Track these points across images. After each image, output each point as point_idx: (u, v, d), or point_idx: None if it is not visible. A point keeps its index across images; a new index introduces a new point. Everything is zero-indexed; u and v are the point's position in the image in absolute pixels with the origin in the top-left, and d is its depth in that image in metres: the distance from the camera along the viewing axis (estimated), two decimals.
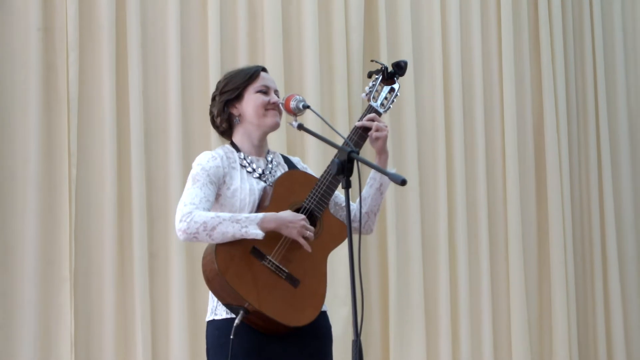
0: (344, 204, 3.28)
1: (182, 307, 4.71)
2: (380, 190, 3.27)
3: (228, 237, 2.99)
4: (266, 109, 3.19)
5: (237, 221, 2.99)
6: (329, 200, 3.12)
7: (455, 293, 5.60)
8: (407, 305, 5.41)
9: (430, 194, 5.62)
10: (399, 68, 3.30)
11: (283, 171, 3.24)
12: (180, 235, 3.01)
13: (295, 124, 3.14)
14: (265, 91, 3.21)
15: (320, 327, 3.14)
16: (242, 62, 4.86)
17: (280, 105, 3.20)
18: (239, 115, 3.21)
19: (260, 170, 3.20)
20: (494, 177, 5.87)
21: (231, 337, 2.95)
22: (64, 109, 4.60)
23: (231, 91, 3.20)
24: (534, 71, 6.10)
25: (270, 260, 3.03)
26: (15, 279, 4.47)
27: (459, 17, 5.79)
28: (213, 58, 4.90)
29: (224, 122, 3.23)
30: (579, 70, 6.32)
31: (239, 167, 3.17)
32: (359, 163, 2.90)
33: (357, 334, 2.77)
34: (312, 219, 3.09)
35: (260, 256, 3.03)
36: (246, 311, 2.96)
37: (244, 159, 3.19)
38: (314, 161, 4.96)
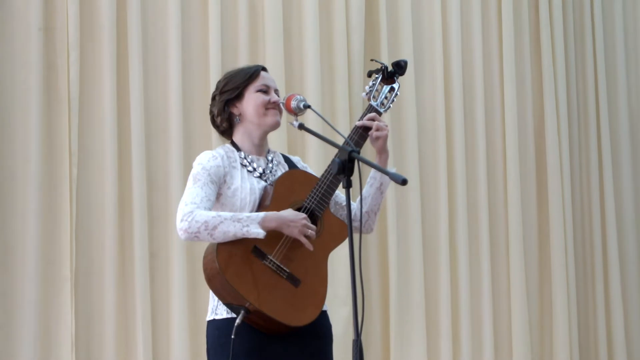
0: (344, 203, 3.28)
1: (183, 306, 4.71)
2: (380, 190, 3.27)
3: (229, 237, 2.99)
4: (267, 108, 3.19)
5: (239, 220, 2.99)
6: (329, 199, 3.12)
7: (456, 293, 5.60)
8: (407, 305, 5.41)
9: (430, 195, 5.62)
10: (399, 67, 3.30)
11: (283, 171, 3.24)
12: (181, 234, 3.01)
13: (296, 123, 3.14)
14: (265, 90, 3.21)
15: (321, 327, 3.14)
16: (243, 62, 4.86)
17: (281, 105, 3.20)
18: (240, 115, 3.21)
19: (260, 170, 3.20)
20: (495, 178, 5.87)
21: (232, 336, 2.95)
22: (64, 108, 4.60)
23: (231, 90, 3.20)
24: (535, 72, 6.10)
25: (271, 260, 3.03)
26: (16, 278, 4.47)
27: (460, 18, 5.79)
28: (214, 58, 4.91)
29: (225, 122, 3.23)
30: (580, 71, 6.32)
31: (239, 166, 3.17)
32: (360, 163, 2.90)
33: (357, 333, 2.77)
34: (313, 218, 3.10)
35: (262, 256, 3.03)
36: (247, 311, 2.96)
37: (245, 158, 3.19)
38: (315, 161, 4.96)
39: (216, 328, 3.08)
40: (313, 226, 3.06)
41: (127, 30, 4.75)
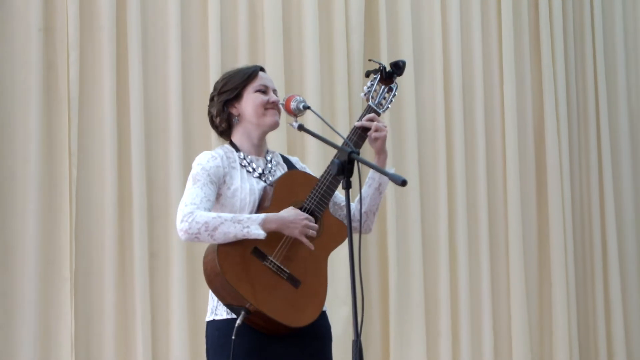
0: (343, 204, 3.29)
1: (183, 307, 4.71)
2: (379, 190, 3.27)
3: (230, 238, 2.99)
4: (265, 108, 3.20)
5: (239, 221, 2.99)
6: (329, 200, 3.13)
7: (456, 293, 5.60)
8: (407, 305, 5.41)
9: (430, 195, 5.62)
10: (397, 68, 3.30)
11: (282, 171, 3.24)
12: (181, 235, 3.02)
13: (295, 124, 3.15)
14: (264, 90, 3.21)
15: (320, 327, 3.14)
16: (243, 62, 4.85)
17: (281, 105, 3.20)
18: (238, 115, 3.22)
19: (260, 170, 3.20)
20: (495, 178, 5.87)
21: (233, 337, 2.95)
22: (64, 109, 4.60)
23: (230, 91, 3.21)
24: (535, 72, 6.10)
25: (271, 261, 3.04)
26: (16, 279, 4.47)
27: (460, 18, 5.79)
28: (213, 58, 4.91)
29: (224, 122, 3.23)
30: (580, 71, 6.32)
31: (238, 166, 3.17)
32: (359, 164, 2.90)
33: (357, 333, 2.77)
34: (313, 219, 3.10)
35: (262, 256, 3.03)
36: (247, 311, 2.96)
37: (244, 158, 3.19)
38: (314, 161, 4.96)
39: (216, 328, 3.08)
40: (315, 225, 3.06)
41: (127, 30, 4.75)
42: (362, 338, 2.83)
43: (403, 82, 5.33)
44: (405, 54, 5.49)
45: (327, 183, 3.11)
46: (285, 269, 3.05)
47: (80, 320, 4.55)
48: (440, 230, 5.60)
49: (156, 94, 4.84)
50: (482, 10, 5.90)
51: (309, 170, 3.31)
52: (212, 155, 3.15)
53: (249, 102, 3.19)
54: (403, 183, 2.76)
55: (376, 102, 3.27)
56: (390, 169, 3.05)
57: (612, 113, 6.39)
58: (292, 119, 3.18)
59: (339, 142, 3.08)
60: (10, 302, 4.46)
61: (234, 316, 2.99)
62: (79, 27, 4.61)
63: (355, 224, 3.25)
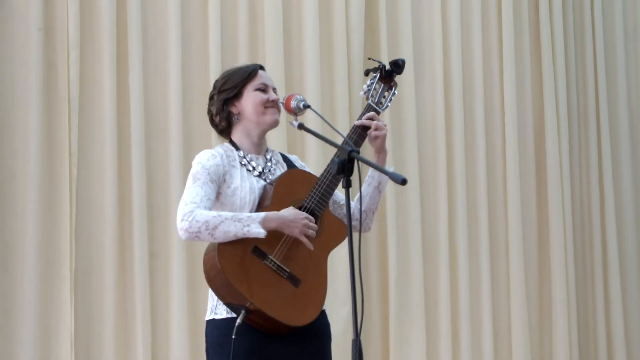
0: (342, 203, 3.29)
1: (182, 306, 4.71)
2: (378, 189, 3.27)
3: (230, 236, 2.99)
4: (265, 107, 3.20)
5: (239, 220, 2.99)
6: (329, 199, 3.13)
7: (456, 293, 5.60)
8: (407, 305, 5.41)
9: (430, 194, 5.62)
10: (397, 66, 3.30)
11: (282, 169, 3.25)
12: (182, 234, 3.02)
13: (295, 123, 3.15)
14: (263, 89, 3.21)
15: (320, 326, 3.14)
16: (243, 62, 4.80)
17: (281, 104, 3.20)
18: (238, 114, 3.22)
19: (259, 169, 3.20)
20: (495, 178, 5.87)
21: (233, 336, 2.95)
22: (64, 108, 4.60)
23: (230, 89, 3.21)
24: (535, 72, 6.10)
25: (271, 260, 3.04)
26: (15, 279, 4.47)
27: (460, 18, 5.79)
28: (213, 58, 4.91)
29: (223, 121, 3.23)
30: (580, 71, 6.32)
31: (238, 165, 3.17)
32: (359, 162, 2.90)
33: (357, 333, 2.77)
34: (313, 218, 3.09)
35: (262, 255, 3.03)
36: (247, 311, 2.96)
37: (244, 157, 3.19)
38: (314, 160, 4.96)
39: (216, 328, 3.08)
40: (314, 225, 3.06)
41: (127, 30, 4.75)
42: (362, 338, 2.83)
43: (403, 81, 5.34)
44: (405, 54, 5.49)
45: (327, 182, 3.11)
46: (285, 268, 3.05)
47: (80, 320, 4.55)
48: (440, 230, 5.60)
49: (156, 94, 4.84)
50: (482, 10, 5.90)
51: (308, 169, 3.32)
52: (212, 154, 3.15)
53: (249, 101, 3.19)
54: (403, 182, 2.76)
55: (376, 100, 3.27)
56: (389, 167, 3.05)
57: (612, 113, 6.39)
58: (292, 117, 3.18)
59: (339, 140, 3.08)
60: (10, 302, 4.46)
61: (234, 315, 2.99)
62: (79, 27, 4.62)
63: (354, 223, 3.25)
